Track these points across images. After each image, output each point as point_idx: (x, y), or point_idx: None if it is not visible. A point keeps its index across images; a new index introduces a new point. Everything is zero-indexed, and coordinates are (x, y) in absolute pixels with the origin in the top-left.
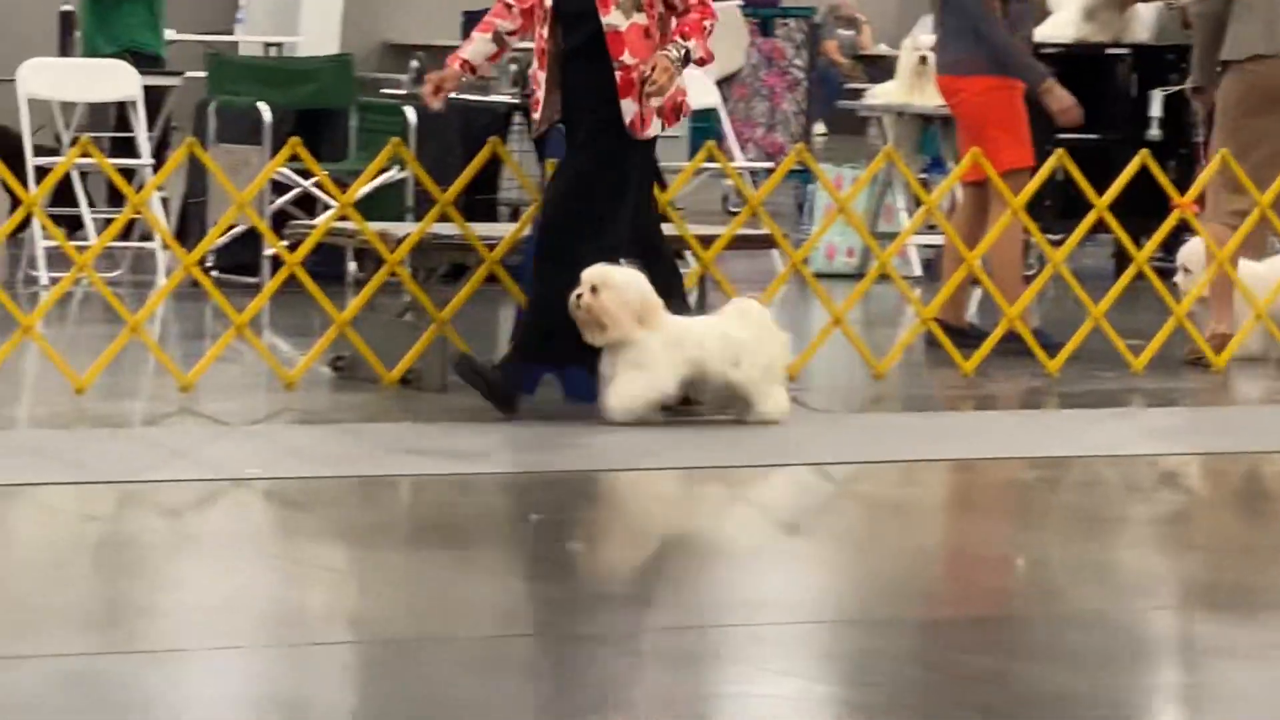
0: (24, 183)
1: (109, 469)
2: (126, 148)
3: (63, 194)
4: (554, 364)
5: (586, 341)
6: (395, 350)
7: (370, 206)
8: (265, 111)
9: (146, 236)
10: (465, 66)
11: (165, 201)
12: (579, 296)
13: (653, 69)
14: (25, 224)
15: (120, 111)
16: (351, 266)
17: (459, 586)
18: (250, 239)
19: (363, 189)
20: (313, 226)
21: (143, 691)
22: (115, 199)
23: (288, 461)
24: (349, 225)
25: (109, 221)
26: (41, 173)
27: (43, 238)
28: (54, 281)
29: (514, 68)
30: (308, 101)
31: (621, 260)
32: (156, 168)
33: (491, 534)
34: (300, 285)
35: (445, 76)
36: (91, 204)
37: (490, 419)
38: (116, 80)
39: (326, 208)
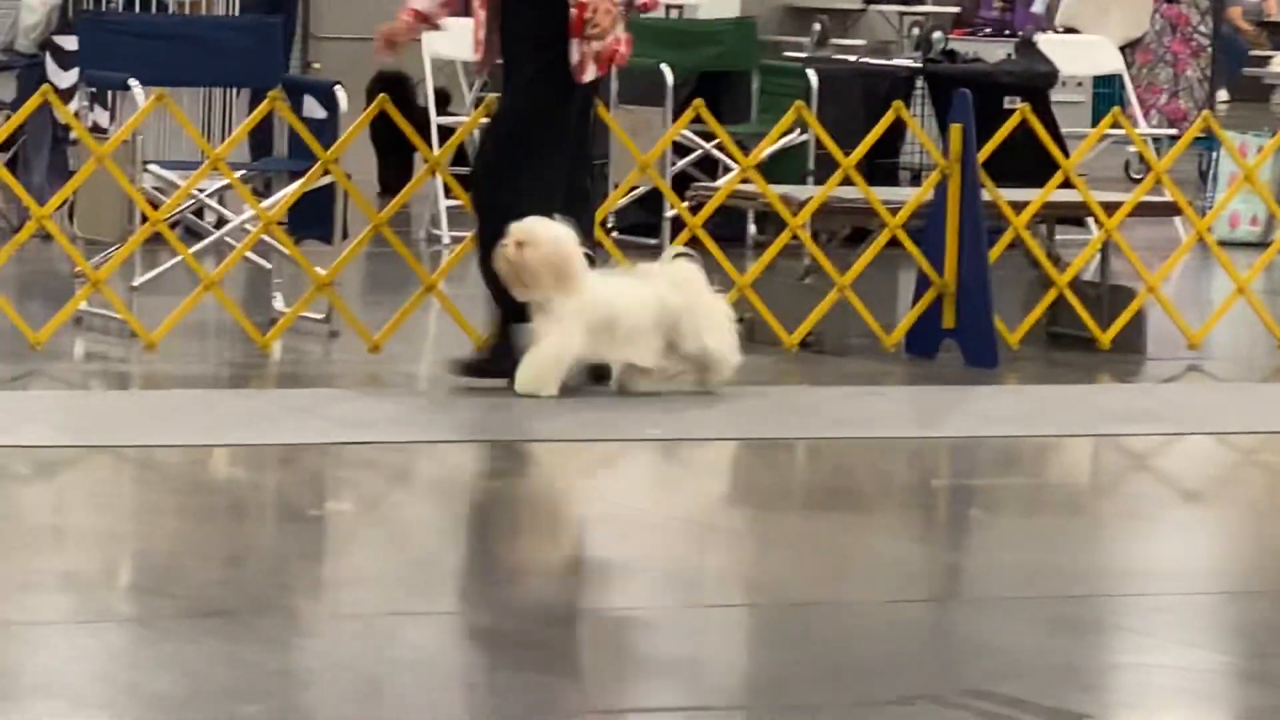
0: (427, 140)
1: (508, 428)
2: None
3: (461, 152)
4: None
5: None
6: (796, 313)
7: (772, 169)
8: (667, 73)
9: None
10: (418, 17)
11: None
12: (504, 249)
13: (594, 10)
14: (404, 178)
15: None
16: (752, 229)
17: (858, 550)
18: (651, 200)
19: (765, 151)
20: (714, 189)
21: (540, 650)
22: None
23: (687, 422)
24: (751, 188)
25: None
26: (444, 132)
27: (445, 197)
28: (456, 240)
29: (916, 31)
30: (710, 64)
31: (556, 215)
32: None
33: (891, 498)
34: (701, 247)
35: (396, 29)
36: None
37: (891, 382)
38: None
39: (727, 170)
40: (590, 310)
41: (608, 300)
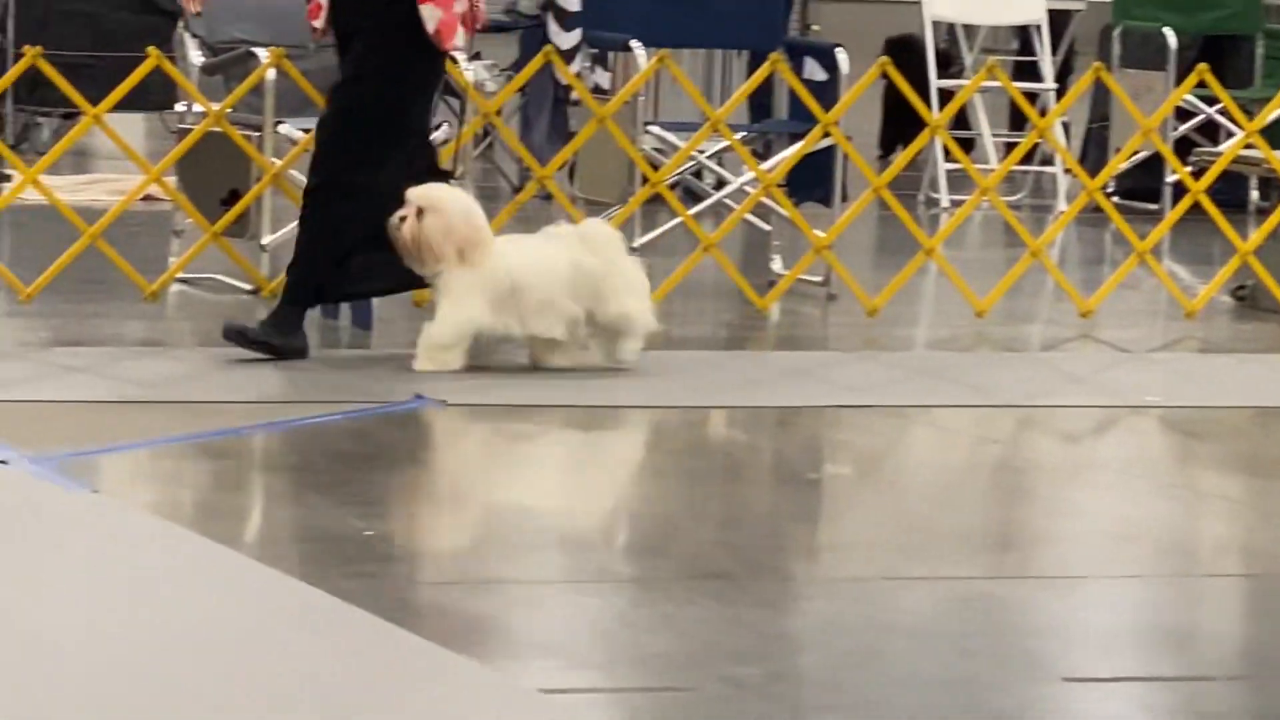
0: (927, 103)
1: (1007, 393)
2: (1029, 71)
3: (960, 115)
4: (335, 301)
5: (407, 269)
6: None
7: (1276, 134)
8: (1170, 37)
9: (1047, 160)
10: None
11: (1067, 126)
12: (402, 219)
13: None
14: (895, 144)
15: (1023, 35)
16: (1254, 195)
17: None
18: (1153, 165)
19: (1270, 116)
20: (1217, 154)
21: (1036, 617)
22: (1016, 123)
23: (1187, 390)
24: (1255, 153)
25: (1009, 145)
26: (944, 95)
27: (944, 160)
28: (955, 204)
29: None
30: (1214, 27)
31: (451, 180)
32: (1059, 92)
33: None
34: (1202, 213)
35: None
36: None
37: None
38: (1021, 3)
39: (1230, 135)
40: (493, 280)
41: (513, 269)
